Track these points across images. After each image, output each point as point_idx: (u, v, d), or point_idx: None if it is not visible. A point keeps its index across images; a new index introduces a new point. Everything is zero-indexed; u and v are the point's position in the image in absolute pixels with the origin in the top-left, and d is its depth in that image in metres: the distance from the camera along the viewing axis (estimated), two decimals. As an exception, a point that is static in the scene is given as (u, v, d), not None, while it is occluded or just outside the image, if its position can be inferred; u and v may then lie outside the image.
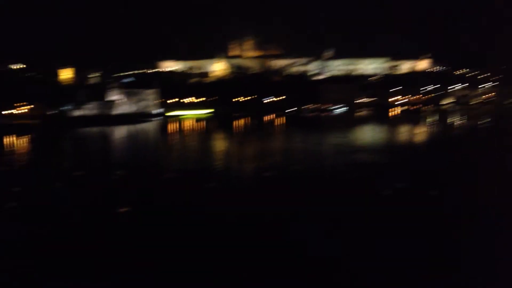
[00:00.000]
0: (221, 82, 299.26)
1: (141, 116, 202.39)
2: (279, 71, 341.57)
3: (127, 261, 23.22)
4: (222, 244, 25.56)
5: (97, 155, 75.68)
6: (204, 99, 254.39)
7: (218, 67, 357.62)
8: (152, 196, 38.02)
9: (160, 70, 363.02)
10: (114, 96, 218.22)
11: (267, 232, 27.58)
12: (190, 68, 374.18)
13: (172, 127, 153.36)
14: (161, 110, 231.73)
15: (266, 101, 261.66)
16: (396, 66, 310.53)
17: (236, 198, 36.64)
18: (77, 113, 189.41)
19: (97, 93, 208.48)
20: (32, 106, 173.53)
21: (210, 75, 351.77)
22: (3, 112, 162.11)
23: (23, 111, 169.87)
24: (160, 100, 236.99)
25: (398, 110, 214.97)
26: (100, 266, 22.55)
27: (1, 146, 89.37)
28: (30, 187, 41.04)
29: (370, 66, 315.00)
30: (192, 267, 22.46)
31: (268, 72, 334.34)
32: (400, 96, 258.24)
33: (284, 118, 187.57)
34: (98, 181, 45.04)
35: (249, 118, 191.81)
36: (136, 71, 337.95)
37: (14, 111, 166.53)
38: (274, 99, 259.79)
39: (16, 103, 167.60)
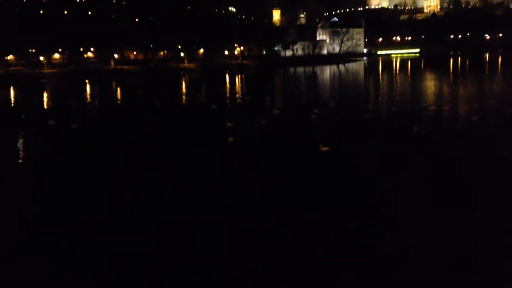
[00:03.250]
0: (434, 18, 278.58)
1: (348, 56, 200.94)
2: (501, 4, 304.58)
3: (326, 197, 23.02)
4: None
5: (303, 94, 77.68)
6: (414, 37, 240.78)
7: (431, 2, 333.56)
8: (353, 136, 37.18)
9: (369, 7, 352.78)
10: (322, 36, 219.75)
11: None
12: (401, 4, 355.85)
13: (379, 66, 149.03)
14: (369, 49, 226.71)
15: (486, 37, 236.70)
16: None
17: (437, 143, 33.83)
18: (287, 53, 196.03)
19: (306, 33, 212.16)
20: (247, 47, 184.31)
21: (422, 11, 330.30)
22: (222, 53, 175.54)
23: (239, 51, 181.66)
24: (368, 39, 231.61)
25: None
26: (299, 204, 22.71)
27: (222, 84, 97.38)
28: (239, 122, 43.61)
29: None
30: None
31: (488, 6, 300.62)
32: None
33: (504, 56, 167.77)
34: (301, 119, 45.77)
35: (466, 57, 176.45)
36: (344, 10, 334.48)
37: (231, 52, 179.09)
38: (496, 35, 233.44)
39: (233, 44, 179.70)
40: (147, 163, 30.28)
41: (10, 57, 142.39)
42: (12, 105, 73.04)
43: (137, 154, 32.90)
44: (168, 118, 51.15)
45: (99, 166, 30.11)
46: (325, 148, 31.94)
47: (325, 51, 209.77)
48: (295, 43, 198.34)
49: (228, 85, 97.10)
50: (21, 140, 39.95)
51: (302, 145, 34.08)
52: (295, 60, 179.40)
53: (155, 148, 34.75)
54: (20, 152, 36.11)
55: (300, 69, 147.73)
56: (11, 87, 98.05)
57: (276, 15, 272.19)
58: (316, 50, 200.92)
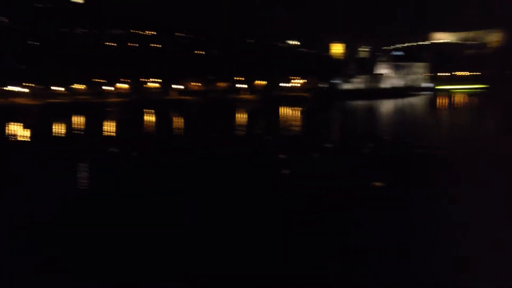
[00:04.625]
0: (500, 53, 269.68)
1: (409, 90, 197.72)
2: None
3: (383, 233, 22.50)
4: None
5: (359, 127, 76.94)
6: (479, 73, 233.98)
7: (497, 38, 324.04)
8: (408, 172, 36.36)
9: (432, 42, 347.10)
10: (383, 69, 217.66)
11: None
12: (465, 39, 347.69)
13: (441, 102, 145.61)
14: (431, 84, 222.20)
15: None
16: None
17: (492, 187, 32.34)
18: (346, 86, 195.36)
19: (366, 66, 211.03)
20: (305, 79, 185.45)
21: (488, 46, 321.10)
22: (281, 85, 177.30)
23: (297, 84, 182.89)
24: (430, 74, 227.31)
25: None
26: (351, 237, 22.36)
27: (278, 116, 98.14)
28: (292, 155, 43.65)
29: None
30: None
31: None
32: None
33: None
34: (353, 153, 45.21)
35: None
36: (406, 44, 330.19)
37: (290, 84, 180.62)
38: None
39: (292, 77, 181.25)
40: (200, 193, 30.73)
41: (79, 86, 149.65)
42: (77, 132, 76.24)
43: (189, 185, 33.45)
44: (222, 149, 51.84)
45: (147, 198, 30.48)
46: (378, 184, 31.43)
47: (385, 85, 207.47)
48: (355, 76, 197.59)
49: (285, 117, 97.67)
50: (82, 165, 41.48)
51: (353, 180, 33.61)
52: (354, 93, 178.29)
53: (209, 179, 35.16)
54: (81, 177, 37.54)
55: (360, 103, 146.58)
56: (78, 115, 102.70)
57: (337, 48, 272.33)
58: (376, 84, 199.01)
